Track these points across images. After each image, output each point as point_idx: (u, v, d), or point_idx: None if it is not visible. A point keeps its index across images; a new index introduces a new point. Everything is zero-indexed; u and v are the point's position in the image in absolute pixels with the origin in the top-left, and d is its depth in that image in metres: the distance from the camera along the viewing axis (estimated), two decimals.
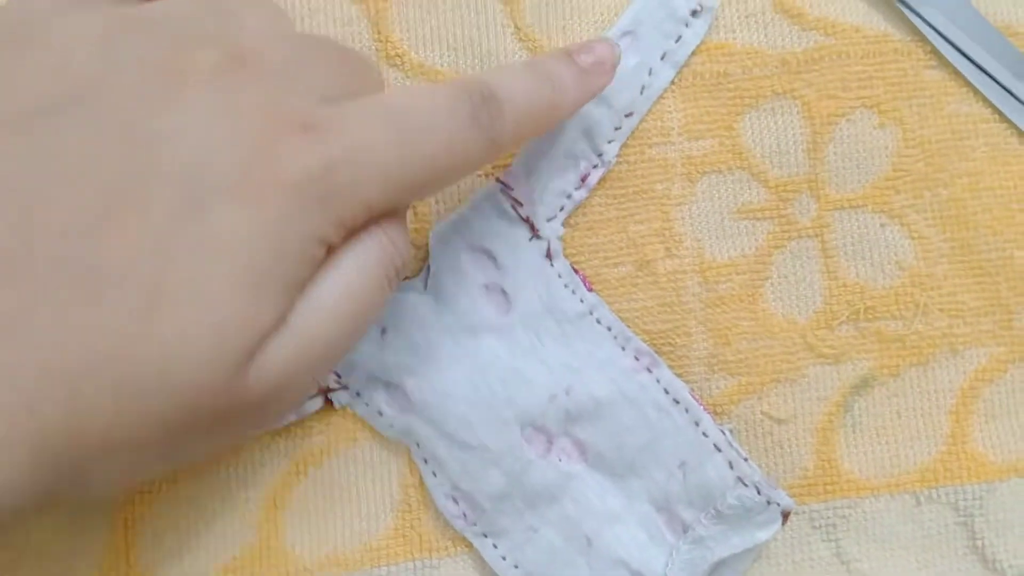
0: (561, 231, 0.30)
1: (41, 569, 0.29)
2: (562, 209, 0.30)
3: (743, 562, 0.29)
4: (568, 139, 0.30)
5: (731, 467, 0.29)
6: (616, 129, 0.30)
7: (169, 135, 0.21)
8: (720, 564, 0.29)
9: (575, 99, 0.28)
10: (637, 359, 0.30)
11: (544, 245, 0.30)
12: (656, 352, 0.30)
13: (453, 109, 0.24)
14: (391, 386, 0.29)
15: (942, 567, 0.30)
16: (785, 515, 0.29)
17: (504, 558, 0.29)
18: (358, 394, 0.30)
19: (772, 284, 0.30)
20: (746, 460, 0.29)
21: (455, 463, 0.29)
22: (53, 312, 0.20)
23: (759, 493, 0.29)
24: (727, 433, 0.29)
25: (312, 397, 0.30)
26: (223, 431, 0.23)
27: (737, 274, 0.30)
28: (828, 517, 0.30)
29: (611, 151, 0.30)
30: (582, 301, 0.30)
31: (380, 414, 0.30)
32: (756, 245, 0.30)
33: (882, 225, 0.31)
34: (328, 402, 0.30)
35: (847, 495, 0.30)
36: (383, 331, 0.30)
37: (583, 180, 0.30)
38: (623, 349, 0.30)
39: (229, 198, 0.21)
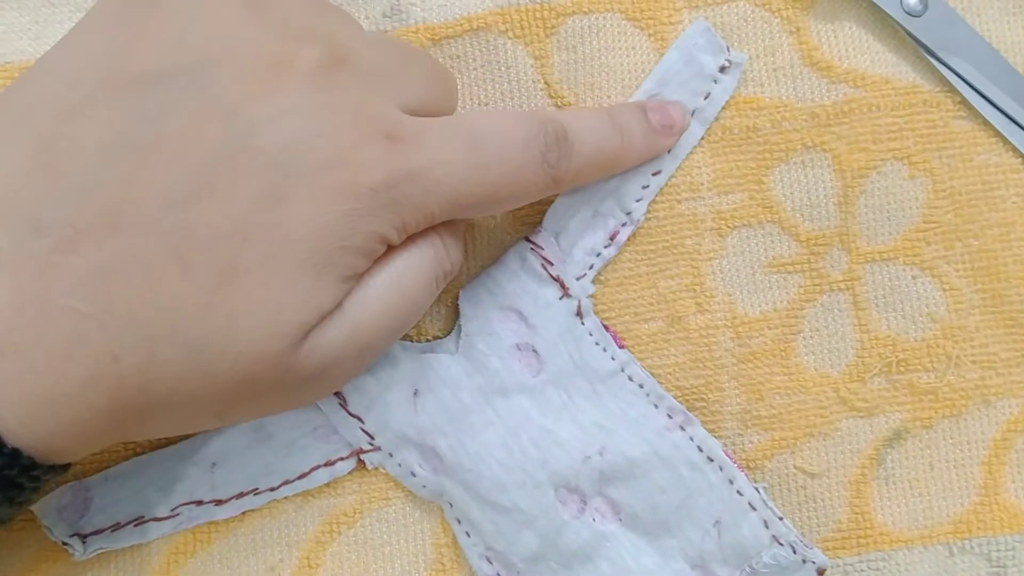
0: (591, 289, 0.30)
1: None
2: (591, 267, 0.30)
3: None
4: (596, 199, 0.30)
5: (766, 526, 0.29)
6: (644, 188, 0.30)
7: (265, 122, 0.23)
8: None
9: (639, 155, 0.29)
10: (670, 417, 0.29)
11: (574, 303, 0.30)
12: (689, 408, 0.30)
13: (527, 143, 0.26)
14: (424, 447, 0.29)
15: None
16: (820, 573, 0.29)
17: None
18: (391, 455, 0.30)
19: (804, 338, 0.30)
20: (781, 519, 0.29)
21: (489, 524, 0.29)
22: (145, 271, 0.22)
23: (794, 552, 0.29)
24: (761, 491, 0.29)
25: (345, 458, 0.30)
26: (272, 400, 0.25)
27: (769, 328, 0.30)
28: (862, 571, 0.30)
29: (639, 209, 0.30)
30: (613, 359, 0.30)
31: (413, 475, 0.30)
32: (788, 299, 0.30)
33: (913, 277, 0.31)
34: (361, 463, 0.30)
35: (881, 548, 0.30)
36: (416, 392, 0.29)
37: (612, 238, 0.30)
38: (656, 407, 0.30)
39: (308, 191, 0.23)
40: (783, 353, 0.30)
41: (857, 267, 0.31)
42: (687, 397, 0.30)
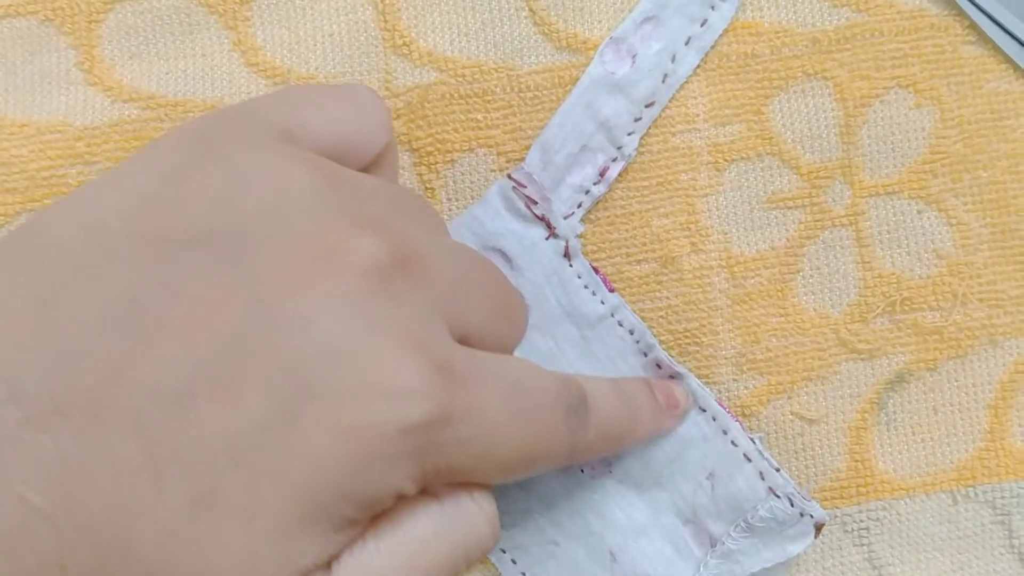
0: (580, 229, 0.28)
1: None
2: (580, 205, 0.28)
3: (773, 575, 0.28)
4: (585, 132, 0.28)
5: (762, 478, 0.28)
6: (636, 120, 0.28)
7: (296, 319, 0.19)
8: None
9: (644, 433, 0.27)
10: (659, 367, 0.28)
11: (561, 244, 0.28)
12: (681, 353, 0.28)
13: (558, 398, 0.22)
14: None
15: (978, 568, 0.29)
16: (818, 527, 0.28)
17: (524, 574, 0.28)
18: None
19: (803, 277, 0.29)
20: (778, 471, 0.27)
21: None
22: (114, 475, 0.18)
23: (792, 505, 0.27)
24: (757, 442, 0.28)
25: None
26: None
27: (766, 268, 0.29)
28: (861, 521, 0.29)
29: (631, 144, 0.28)
30: (603, 303, 0.28)
31: None
32: (787, 236, 0.29)
33: (919, 211, 0.29)
34: None
35: (881, 497, 0.29)
36: None
37: (602, 174, 0.28)
38: (645, 355, 0.28)
39: (325, 419, 0.18)
40: (780, 293, 0.29)
41: (860, 201, 0.29)
42: (680, 341, 0.29)
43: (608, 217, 0.29)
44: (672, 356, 0.28)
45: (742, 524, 0.27)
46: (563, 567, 0.28)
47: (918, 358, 0.29)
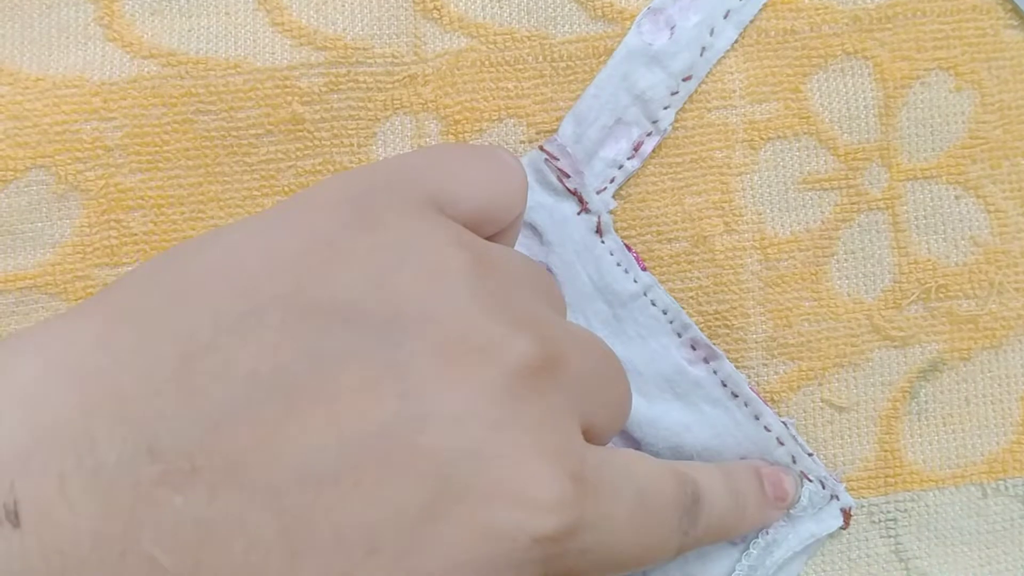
0: (612, 204, 0.27)
1: None
2: (612, 180, 0.27)
3: (797, 565, 0.27)
4: (620, 104, 0.27)
5: (794, 461, 0.27)
6: (673, 94, 0.27)
7: (443, 418, 0.18)
8: (777, 570, 0.27)
9: (749, 525, 0.26)
10: (694, 348, 0.27)
11: (593, 220, 0.27)
12: (711, 336, 0.28)
13: (674, 505, 0.22)
14: None
15: (1006, 563, 0.28)
16: (845, 513, 0.27)
17: None
18: None
19: (838, 261, 0.28)
20: (811, 455, 0.27)
21: None
22: (247, 544, 0.17)
23: (823, 488, 0.27)
24: (790, 426, 0.27)
25: None
26: None
27: (800, 250, 0.28)
28: (888, 512, 0.28)
29: (667, 118, 0.27)
30: (635, 281, 0.27)
31: None
32: (822, 218, 0.28)
33: (957, 197, 0.28)
34: None
35: (909, 488, 0.28)
36: None
37: (636, 149, 0.27)
38: (679, 336, 0.27)
39: (464, 520, 0.18)
40: (814, 277, 0.28)
41: (897, 185, 0.28)
42: (710, 323, 0.28)
43: (639, 194, 0.28)
44: None
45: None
46: None
47: (952, 347, 0.28)
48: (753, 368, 0.28)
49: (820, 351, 0.28)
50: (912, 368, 0.28)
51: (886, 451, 0.28)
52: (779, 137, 0.28)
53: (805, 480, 0.27)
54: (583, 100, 0.27)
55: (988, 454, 0.28)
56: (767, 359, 0.28)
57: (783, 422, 0.27)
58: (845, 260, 0.28)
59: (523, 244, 0.27)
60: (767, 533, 0.27)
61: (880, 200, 0.28)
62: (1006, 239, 0.28)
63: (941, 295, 0.28)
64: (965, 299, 0.28)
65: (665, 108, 0.27)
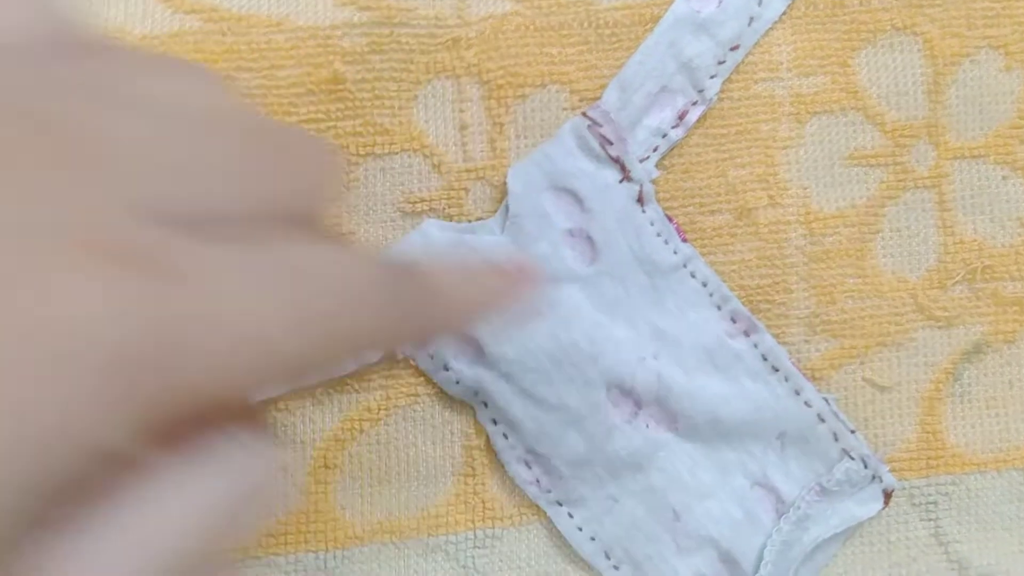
0: (655, 173, 0.27)
1: None
2: (656, 149, 0.27)
3: (834, 544, 0.27)
4: (666, 72, 0.27)
5: (836, 439, 0.26)
6: (720, 63, 0.27)
7: None
8: (815, 549, 0.26)
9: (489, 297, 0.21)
10: (734, 321, 0.27)
11: (635, 189, 0.27)
12: (753, 311, 0.27)
13: (359, 283, 0.17)
14: (461, 336, 0.26)
15: None
16: (887, 495, 0.26)
17: (580, 529, 0.27)
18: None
19: (883, 238, 0.28)
20: (853, 432, 0.26)
21: (531, 422, 0.26)
22: None
23: (866, 467, 0.26)
24: (831, 403, 0.27)
25: None
26: None
27: (845, 226, 0.28)
28: (929, 494, 0.28)
29: (713, 87, 0.27)
30: (675, 252, 0.27)
31: (446, 368, 0.27)
32: (868, 195, 0.28)
33: (1004, 177, 0.28)
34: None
35: (951, 471, 0.28)
36: None
37: (681, 118, 0.27)
38: (719, 309, 0.27)
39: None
40: (859, 254, 0.28)
41: (945, 163, 0.28)
42: (751, 298, 0.27)
43: (683, 164, 0.27)
44: None
45: (817, 487, 0.26)
46: (621, 524, 0.27)
47: (996, 329, 0.28)
48: (794, 344, 0.27)
49: (863, 329, 0.27)
50: (956, 349, 0.28)
51: (928, 433, 0.28)
52: (826, 111, 0.28)
53: (847, 457, 0.26)
54: (628, 67, 0.27)
55: None
56: (809, 335, 0.27)
57: (824, 399, 0.26)
58: (890, 238, 0.28)
59: (563, 208, 0.27)
60: (799, 508, 0.26)
61: (927, 178, 0.28)
62: None
63: (986, 276, 0.28)
64: (1011, 281, 0.28)
65: (711, 77, 0.27)
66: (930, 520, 0.28)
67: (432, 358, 0.27)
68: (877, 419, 0.28)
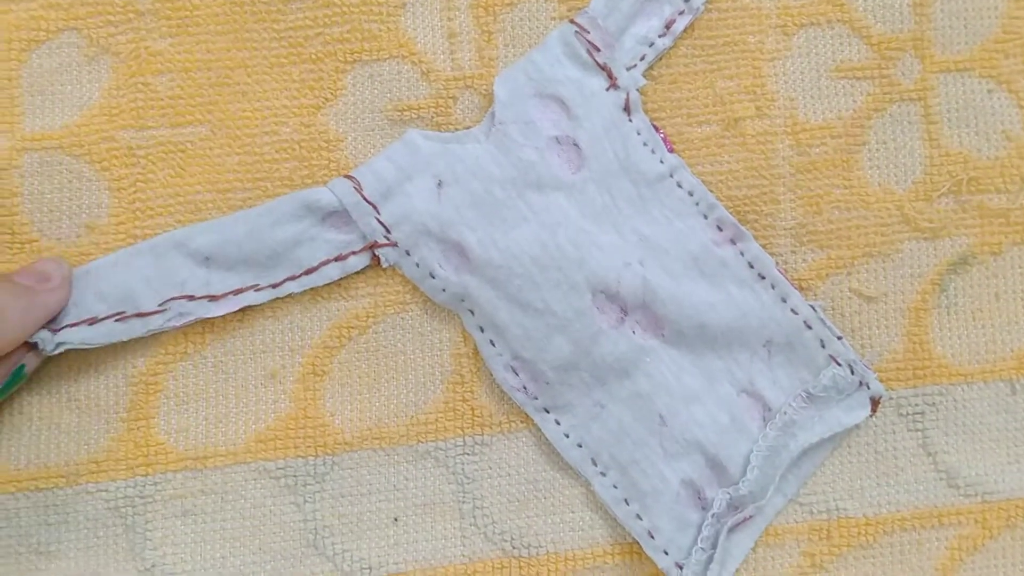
0: (642, 82, 0.27)
1: (52, 436, 0.26)
2: (643, 58, 0.27)
3: (821, 452, 0.27)
4: None
5: (823, 345, 0.26)
6: None
7: None
8: (802, 455, 0.26)
9: (18, 323, 0.24)
10: (720, 229, 0.27)
11: (622, 96, 0.27)
12: (740, 220, 0.27)
13: None
14: (447, 243, 0.27)
15: None
16: (874, 402, 0.27)
17: (567, 435, 0.27)
18: (408, 252, 0.27)
19: (869, 150, 0.28)
20: (840, 339, 0.26)
21: (517, 328, 0.26)
22: None
23: (853, 373, 0.26)
24: (818, 310, 0.27)
25: (358, 252, 0.27)
26: None
27: (832, 137, 0.28)
28: (916, 405, 0.28)
29: None
30: (662, 162, 0.27)
31: (432, 276, 0.27)
32: (854, 107, 0.28)
33: (989, 91, 0.28)
34: (376, 259, 0.27)
35: (938, 381, 0.28)
36: (440, 183, 0.26)
37: (668, 27, 0.27)
38: (705, 218, 0.27)
39: None
40: (845, 165, 0.28)
41: (930, 77, 0.28)
42: (739, 208, 0.27)
43: (671, 75, 0.28)
44: None
45: (803, 394, 0.26)
46: (608, 430, 0.27)
47: (982, 241, 0.28)
48: (782, 255, 0.28)
49: (850, 240, 0.28)
50: (942, 261, 0.28)
51: (914, 343, 0.28)
52: (812, 24, 0.28)
53: (833, 364, 0.26)
54: None
55: (1017, 350, 0.28)
56: (796, 246, 0.28)
57: (811, 306, 0.27)
58: (877, 150, 0.28)
59: (550, 115, 0.27)
60: (785, 414, 0.26)
61: (912, 91, 0.28)
62: None
63: (972, 188, 0.28)
64: (996, 193, 0.28)
65: None
66: (917, 430, 0.28)
67: (418, 266, 0.27)
68: (864, 330, 0.28)
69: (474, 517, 0.27)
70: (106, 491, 0.26)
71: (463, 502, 0.27)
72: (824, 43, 0.28)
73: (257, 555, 0.26)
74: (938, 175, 0.28)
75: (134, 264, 0.26)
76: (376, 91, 0.27)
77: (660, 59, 0.28)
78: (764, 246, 0.27)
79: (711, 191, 0.27)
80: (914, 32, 0.28)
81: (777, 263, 0.27)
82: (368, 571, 0.27)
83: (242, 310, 0.27)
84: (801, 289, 0.27)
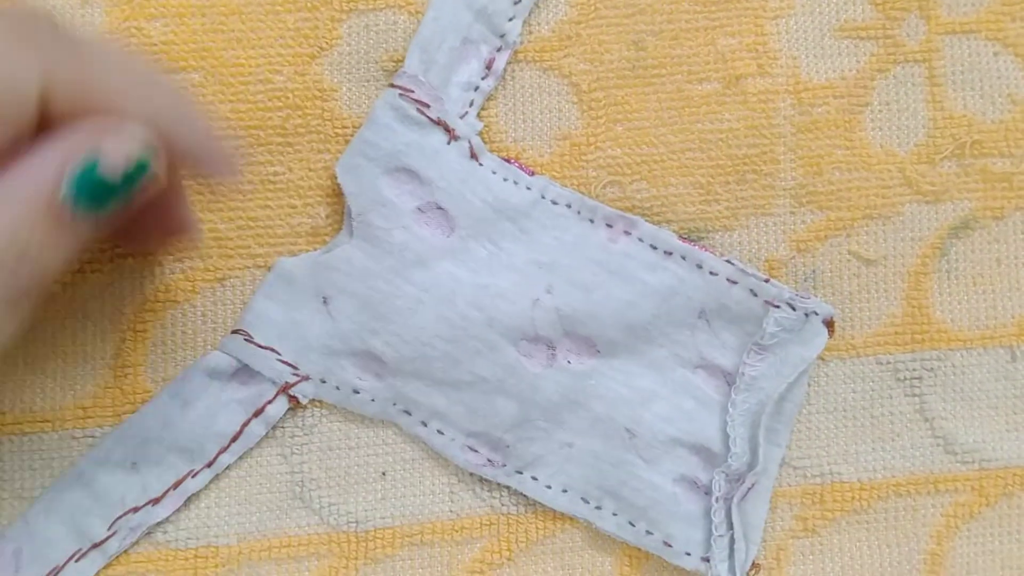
0: (479, 126, 0.26)
1: (37, 381, 0.26)
2: (472, 103, 0.26)
3: (798, 390, 0.26)
4: (462, 24, 0.26)
5: (754, 294, 0.26)
6: (515, 3, 0.27)
7: None
8: (779, 401, 0.26)
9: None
10: (610, 226, 0.26)
11: (465, 145, 0.26)
12: (739, 180, 0.27)
13: None
14: (357, 355, 0.26)
15: None
16: (829, 324, 0.26)
17: (549, 487, 0.26)
18: (323, 380, 0.26)
19: (872, 111, 0.27)
20: (767, 281, 0.26)
21: (458, 406, 0.26)
22: None
23: (794, 309, 0.26)
24: (735, 262, 0.26)
25: (273, 400, 0.26)
26: None
27: (835, 97, 0.27)
28: (914, 369, 0.27)
29: (514, 29, 0.27)
30: (528, 188, 0.26)
31: (356, 391, 0.26)
32: (857, 67, 0.27)
33: (995, 54, 0.28)
34: (293, 399, 0.26)
35: (936, 346, 0.27)
36: (324, 300, 0.26)
37: (489, 67, 0.27)
38: (591, 222, 0.26)
39: None
40: (847, 125, 0.27)
41: (935, 38, 0.28)
42: (738, 167, 0.27)
43: (672, 31, 0.27)
44: (729, 183, 0.27)
45: (754, 348, 0.26)
46: (584, 464, 0.26)
47: (985, 205, 0.27)
48: (780, 216, 0.27)
49: (850, 201, 0.27)
50: (943, 224, 0.27)
51: (914, 307, 0.27)
52: None
53: (771, 308, 0.26)
54: (424, 25, 0.26)
55: (1018, 316, 0.27)
56: (795, 207, 0.27)
57: (728, 261, 0.26)
58: (879, 111, 0.27)
59: (404, 189, 0.26)
60: (744, 374, 0.26)
61: (917, 52, 0.28)
62: None
63: (975, 152, 0.28)
64: (1000, 157, 0.28)
65: (510, 20, 0.27)
66: (915, 395, 0.27)
67: (339, 389, 0.26)
68: (863, 292, 0.27)
69: (462, 473, 0.27)
70: (92, 437, 0.26)
71: None
72: (828, 2, 0.27)
73: (243, 506, 0.26)
74: (941, 138, 0.27)
75: (68, 500, 0.25)
76: (371, 41, 0.27)
77: (661, 17, 0.27)
78: (762, 207, 0.27)
79: (710, 149, 0.27)
80: None
81: (775, 224, 0.27)
82: (355, 525, 0.26)
83: (226, 254, 0.26)
84: (799, 251, 0.27)
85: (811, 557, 0.27)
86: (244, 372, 0.26)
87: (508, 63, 0.27)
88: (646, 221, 0.26)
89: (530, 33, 0.27)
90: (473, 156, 0.26)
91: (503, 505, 0.27)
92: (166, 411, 0.25)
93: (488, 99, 0.27)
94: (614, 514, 0.26)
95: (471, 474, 0.27)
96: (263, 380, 0.26)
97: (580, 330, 0.26)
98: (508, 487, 0.26)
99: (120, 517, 0.25)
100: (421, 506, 0.26)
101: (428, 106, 0.26)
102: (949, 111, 0.28)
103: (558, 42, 0.27)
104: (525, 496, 0.26)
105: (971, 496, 0.27)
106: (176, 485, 0.25)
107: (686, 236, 0.27)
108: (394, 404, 0.26)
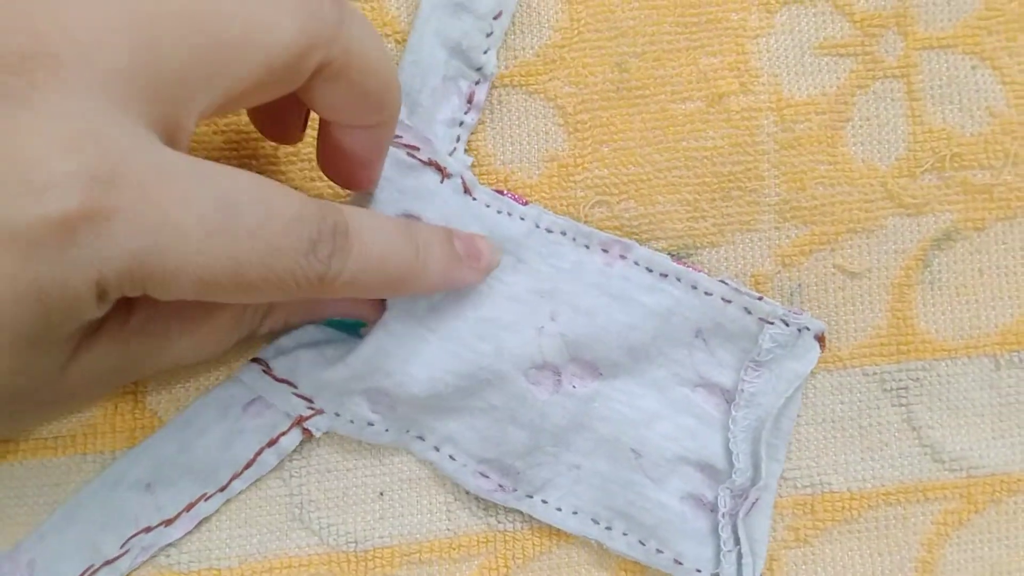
0: (469, 161, 0.27)
1: None
2: (459, 139, 0.27)
3: (793, 406, 0.27)
4: (438, 62, 0.27)
5: (748, 312, 0.26)
6: (488, 35, 0.27)
7: None
8: (778, 417, 0.26)
9: (435, 281, 0.25)
10: (606, 251, 0.27)
11: (458, 182, 0.27)
12: (724, 197, 0.28)
13: (297, 223, 0.21)
14: (370, 392, 0.26)
15: (1019, 436, 0.28)
16: (820, 338, 0.26)
17: (559, 509, 0.27)
18: (337, 414, 0.26)
19: (853, 126, 0.28)
20: (760, 299, 0.26)
21: (470, 432, 0.26)
22: None
23: (787, 325, 0.26)
24: (729, 281, 0.27)
25: (287, 432, 0.26)
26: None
27: (816, 114, 0.28)
28: (900, 380, 0.28)
29: (490, 61, 0.27)
30: (523, 218, 0.27)
31: (370, 424, 0.26)
32: (838, 84, 0.28)
33: (973, 67, 0.28)
34: (307, 432, 0.26)
35: (921, 357, 0.28)
36: (343, 339, 0.27)
37: (470, 101, 0.27)
38: (587, 247, 0.27)
39: None
40: (829, 141, 0.28)
41: (913, 53, 0.28)
42: (723, 184, 0.28)
43: (654, 52, 0.28)
44: (715, 200, 0.28)
45: (750, 365, 0.26)
46: (593, 486, 0.27)
47: (966, 217, 0.28)
48: (765, 231, 0.28)
49: (834, 215, 0.28)
50: (925, 236, 0.28)
51: (898, 319, 0.28)
52: (795, 1, 0.28)
53: (766, 324, 0.26)
54: (403, 69, 0.27)
55: (1001, 325, 0.28)
56: (779, 223, 0.28)
57: (722, 280, 0.27)
58: (860, 126, 0.28)
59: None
60: (742, 391, 0.26)
61: (895, 68, 0.28)
62: (1021, 110, 0.28)
63: (956, 164, 0.28)
64: (980, 169, 0.28)
65: (485, 52, 0.27)
66: (902, 406, 0.28)
67: (352, 422, 0.26)
68: (847, 305, 0.28)
69: (458, 491, 0.27)
70: (101, 455, 0.26)
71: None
72: (807, 20, 0.28)
73: (243, 528, 0.27)
74: (922, 151, 0.28)
75: (82, 516, 0.26)
76: None
77: (643, 39, 0.28)
78: (748, 223, 0.28)
79: (695, 167, 0.27)
80: (897, 9, 0.28)
81: (760, 239, 0.27)
82: (354, 544, 0.27)
83: None
84: (784, 265, 0.28)
85: (804, 567, 0.27)
86: (260, 403, 0.26)
87: (494, 87, 0.27)
88: (636, 241, 0.27)
89: (515, 58, 0.28)
90: (467, 191, 0.27)
91: (500, 523, 0.27)
92: (182, 435, 0.26)
93: (476, 123, 0.27)
94: (624, 534, 0.27)
95: (468, 492, 0.27)
96: (276, 412, 0.26)
97: (585, 354, 0.27)
98: (500, 509, 0.27)
99: (133, 536, 0.26)
100: (419, 525, 0.27)
101: (418, 148, 0.26)
102: (929, 125, 0.28)
103: (543, 66, 0.28)
104: (521, 513, 0.27)
105: (960, 503, 0.28)
106: (189, 507, 0.26)
107: (676, 255, 0.27)
108: (407, 431, 0.27)
